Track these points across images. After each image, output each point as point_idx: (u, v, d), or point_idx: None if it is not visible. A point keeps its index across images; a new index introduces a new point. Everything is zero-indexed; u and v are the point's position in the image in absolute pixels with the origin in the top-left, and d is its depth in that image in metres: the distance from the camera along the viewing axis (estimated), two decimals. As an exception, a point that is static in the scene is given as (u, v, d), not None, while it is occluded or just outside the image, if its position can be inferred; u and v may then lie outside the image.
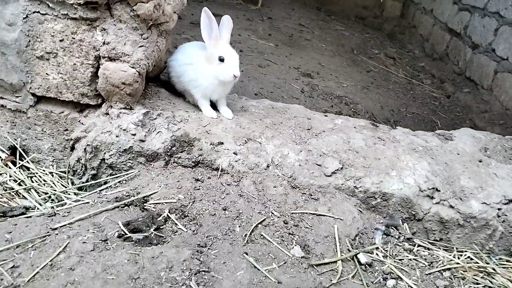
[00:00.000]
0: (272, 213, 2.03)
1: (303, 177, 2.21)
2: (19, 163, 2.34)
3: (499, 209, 2.23)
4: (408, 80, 5.26)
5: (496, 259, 2.24)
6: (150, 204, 1.98)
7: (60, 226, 1.84)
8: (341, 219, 2.10)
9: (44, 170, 2.40)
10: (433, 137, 2.70)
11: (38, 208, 2.13)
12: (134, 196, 2.02)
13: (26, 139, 2.40)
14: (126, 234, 1.80)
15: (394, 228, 2.26)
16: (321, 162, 2.27)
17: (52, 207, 2.15)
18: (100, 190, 2.16)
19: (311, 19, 6.61)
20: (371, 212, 2.26)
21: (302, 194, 2.16)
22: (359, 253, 1.98)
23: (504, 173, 2.42)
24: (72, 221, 1.87)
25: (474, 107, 4.83)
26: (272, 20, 6.14)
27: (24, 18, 2.09)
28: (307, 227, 2.01)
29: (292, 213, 2.05)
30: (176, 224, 1.88)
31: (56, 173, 2.39)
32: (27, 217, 2.02)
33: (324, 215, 2.09)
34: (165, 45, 2.36)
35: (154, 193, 2.04)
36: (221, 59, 2.32)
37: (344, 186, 2.23)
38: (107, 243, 1.75)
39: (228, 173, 2.18)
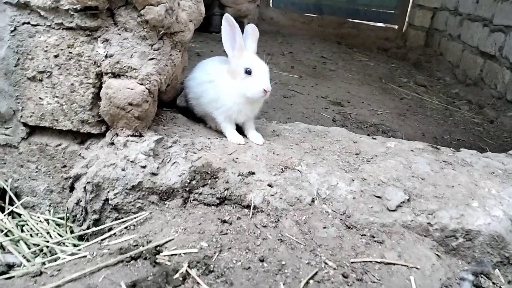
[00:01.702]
0: (326, 263, 1.47)
1: (360, 213, 1.66)
2: (8, 208, 1.87)
3: None
4: (445, 107, 4.71)
5: None
6: (164, 256, 1.45)
7: (44, 291, 1.33)
8: (417, 268, 1.52)
9: (38, 217, 1.91)
10: (509, 158, 2.13)
11: (24, 265, 1.63)
12: (143, 246, 1.50)
13: (18, 180, 1.93)
14: (130, 299, 1.27)
15: (484, 277, 1.66)
16: (381, 193, 1.72)
17: (44, 263, 1.65)
18: (102, 239, 1.65)
19: (333, 52, 6.22)
20: (451, 256, 1.67)
21: (361, 236, 1.60)
22: (450, 315, 1.39)
23: None
24: (61, 283, 1.35)
25: (524, 131, 4.23)
26: (293, 54, 5.77)
27: (12, 32, 1.68)
28: (374, 282, 1.43)
29: (351, 262, 1.49)
30: (198, 283, 1.34)
31: (52, 220, 1.90)
32: (7, 278, 1.53)
33: (394, 264, 1.51)
34: (181, 60, 1.92)
35: (170, 240, 1.52)
36: (248, 72, 1.85)
37: (414, 223, 1.66)
38: (104, 314, 1.22)
39: (263, 211, 1.65)
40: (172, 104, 2.24)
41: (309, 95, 4.16)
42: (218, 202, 1.66)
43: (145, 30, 1.68)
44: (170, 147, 1.77)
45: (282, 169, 1.77)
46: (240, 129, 2.03)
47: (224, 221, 1.59)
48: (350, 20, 7.69)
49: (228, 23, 1.87)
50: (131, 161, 1.68)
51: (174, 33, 1.79)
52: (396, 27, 7.44)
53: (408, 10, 7.14)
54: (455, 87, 5.46)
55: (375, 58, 6.30)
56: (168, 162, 1.71)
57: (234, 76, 1.89)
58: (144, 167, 1.67)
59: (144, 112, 1.71)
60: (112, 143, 1.77)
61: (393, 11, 7.54)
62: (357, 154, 1.97)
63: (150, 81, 1.70)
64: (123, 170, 1.66)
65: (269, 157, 1.85)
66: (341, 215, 1.66)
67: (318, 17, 7.89)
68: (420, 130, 3.82)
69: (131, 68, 1.68)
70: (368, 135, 3.56)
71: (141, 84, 1.69)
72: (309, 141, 2.06)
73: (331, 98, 4.16)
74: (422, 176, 1.83)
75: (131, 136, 1.74)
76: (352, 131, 3.49)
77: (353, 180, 1.76)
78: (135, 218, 1.65)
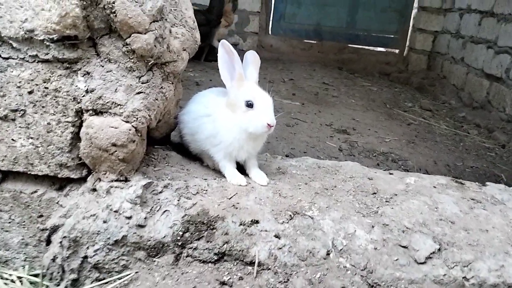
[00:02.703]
0: (348, 335, 1.19)
1: (384, 267, 1.39)
2: (-24, 266, 1.61)
3: None
4: (454, 132, 4.47)
5: None
6: (150, 329, 1.18)
7: None
8: (457, 337, 1.24)
9: (10, 275, 1.64)
10: (543, 193, 1.87)
11: None
12: (127, 316, 1.23)
13: (-11, 231, 1.68)
14: None
15: None
16: (407, 242, 1.45)
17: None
18: (80, 305, 1.38)
19: (335, 78, 6.04)
20: (494, 317, 1.39)
21: (388, 296, 1.33)
22: None
23: None
24: None
25: (539, 156, 3.98)
26: (294, 81, 5.59)
27: (-20, 66, 1.47)
28: None
29: (379, 332, 1.21)
30: None
31: (26, 278, 1.64)
32: None
33: (430, 332, 1.24)
34: (174, 93, 1.69)
35: (158, 308, 1.25)
36: (249, 105, 1.62)
37: (447, 278, 1.38)
38: None
39: (270, 269, 1.38)
40: (166, 141, 2.00)
41: (313, 123, 3.93)
42: (216, 258, 1.39)
43: (132, 60, 1.46)
44: (160, 192, 1.51)
45: (290, 215, 1.51)
46: (240, 168, 1.79)
47: (223, 283, 1.32)
48: (351, 45, 7.56)
49: (225, 50, 1.66)
50: (115, 211, 1.42)
51: (165, 63, 1.57)
52: (397, 51, 7.29)
53: (409, 34, 7.01)
54: (461, 111, 5.25)
55: (378, 83, 6.12)
56: (157, 211, 1.45)
57: (234, 109, 1.65)
58: (129, 217, 1.41)
59: (130, 154, 1.47)
60: (94, 189, 1.52)
61: (393, 36, 7.40)
62: (375, 193, 1.72)
63: (137, 118, 1.47)
64: (104, 222, 1.40)
65: (274, 201, 1.59)
66: (362, 270, 1.39)
67: (318, 43, 7.76)
68: (432, 158, 3.57)
69: (115, 103, 1.45)
70: (378, 164, 3.32)
71: (127, 121, 1.45)
72: (319, 179, 1.81)
73: (335, 126, 3.93)
74: (451, 219, 1.57)
75: (115, 181, 1.49)
76: (360, 161, 3.24)
77: (373, 226, 1.50)
78: (118, 279, 1.38)
